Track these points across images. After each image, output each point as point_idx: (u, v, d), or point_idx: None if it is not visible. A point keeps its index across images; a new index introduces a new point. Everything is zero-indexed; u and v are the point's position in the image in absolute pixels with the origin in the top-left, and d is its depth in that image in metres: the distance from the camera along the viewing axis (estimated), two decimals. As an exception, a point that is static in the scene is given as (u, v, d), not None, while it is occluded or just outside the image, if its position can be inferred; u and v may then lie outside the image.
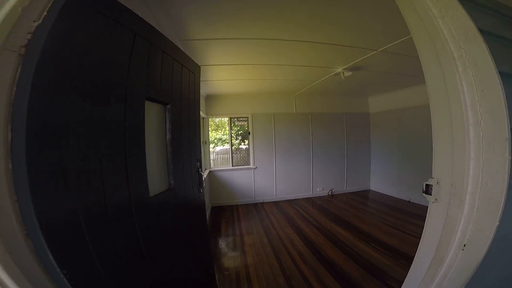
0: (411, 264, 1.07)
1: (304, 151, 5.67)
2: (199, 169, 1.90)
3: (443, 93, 0.87)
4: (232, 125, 5.60)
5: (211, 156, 5.90)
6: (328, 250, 3.03)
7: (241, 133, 5.85)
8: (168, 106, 1.48)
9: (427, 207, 1.01)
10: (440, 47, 0.85)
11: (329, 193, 5.77)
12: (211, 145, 7.70)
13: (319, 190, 5.78)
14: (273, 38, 2.40)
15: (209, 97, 5.16)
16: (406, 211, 4.36)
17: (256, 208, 5.05)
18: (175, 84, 1.57)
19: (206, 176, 4.72)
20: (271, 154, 5.46)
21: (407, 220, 3.90)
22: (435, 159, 0.98)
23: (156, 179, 1.37)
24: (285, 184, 5.56)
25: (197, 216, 1.88)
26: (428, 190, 0.98)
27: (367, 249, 2.99)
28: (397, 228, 3.60)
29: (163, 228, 1.33)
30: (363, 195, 5.76)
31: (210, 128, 8.41)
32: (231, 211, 4.87)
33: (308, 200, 5.50)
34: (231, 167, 5.39)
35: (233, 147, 5.56)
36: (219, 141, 7.50)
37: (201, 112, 4.34)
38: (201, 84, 4.25)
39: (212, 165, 5.47)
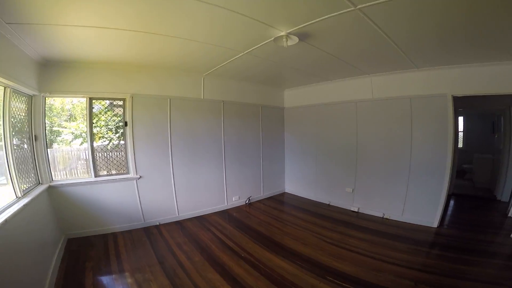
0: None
1: (215, 150, 4.32)
2: None
3: None
4: (104, 110, 3.53)
5: (59, 159, 3.58)
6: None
7: (120, 125, 3.77)
8: None
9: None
10: None
11: (247, 202, 4.71)
12: (75, 140, 5.05)
13: (235, 199, 4.59)
14: None
15: (50, 64, 2.91)
16: (333, 218, 3.83)
17: (150, 235, 3.28)
18: None
19: (42, 194, 2.62)
20: (165, 156, 3.74)
21: (342, 231, 3.31)
22: None
23: None
24: (190, 195, 4.01)
25: None
26: None
27: (330, 291, 2.04)
28: (340, 246, 2.89)
29: None
30: (280, 200, 5.05)
31: (85, 118, 5.65)
32: (105, 245, 2.92)
33: (223, 213, 4.19)
34: (93, 179, 3.25)
35: (109, 146, 3.53)
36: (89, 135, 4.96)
37: (20, 85, 2.29)
38: (30, 30, 2.11)
39: (55, 176, 3.14)
